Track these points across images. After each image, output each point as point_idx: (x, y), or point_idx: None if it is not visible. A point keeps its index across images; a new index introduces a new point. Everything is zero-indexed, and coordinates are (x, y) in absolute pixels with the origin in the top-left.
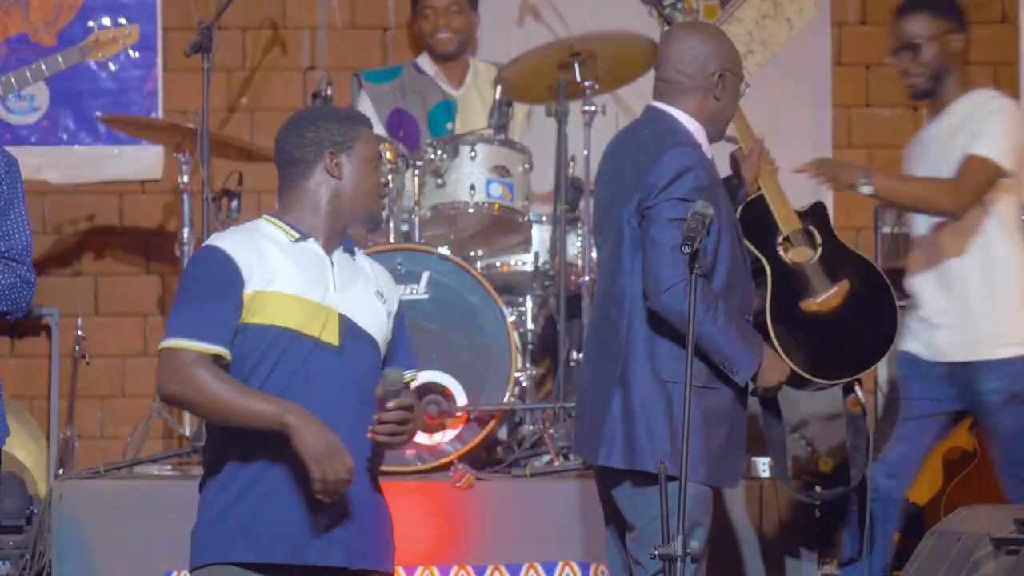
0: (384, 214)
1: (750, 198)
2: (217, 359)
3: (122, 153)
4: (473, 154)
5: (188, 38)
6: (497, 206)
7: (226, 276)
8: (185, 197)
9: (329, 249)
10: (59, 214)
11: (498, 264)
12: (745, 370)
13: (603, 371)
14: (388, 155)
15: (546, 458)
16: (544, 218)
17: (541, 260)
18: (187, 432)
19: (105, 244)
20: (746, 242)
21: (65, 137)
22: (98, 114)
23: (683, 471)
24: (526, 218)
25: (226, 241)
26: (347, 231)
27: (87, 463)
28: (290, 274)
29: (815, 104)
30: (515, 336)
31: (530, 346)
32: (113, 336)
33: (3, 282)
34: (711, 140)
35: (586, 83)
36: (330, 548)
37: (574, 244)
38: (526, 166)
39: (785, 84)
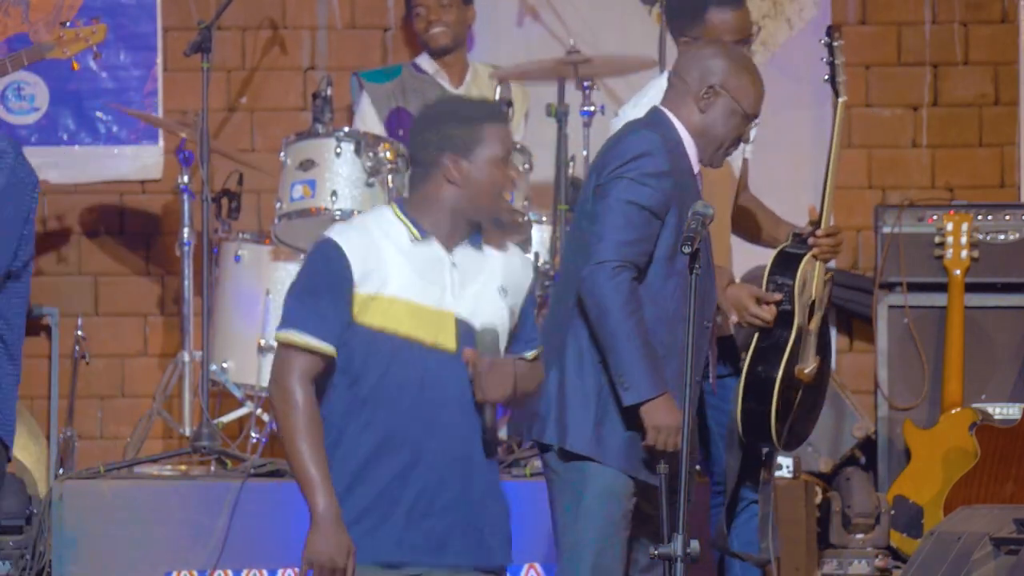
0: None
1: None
2: (324, 356)
3: (122, 153)
4: None
5: (188, 38)
6: None
7: (338, 273)
8: (185, 197)
9: (451, 247)
10: (59, 214)
11: None
12: (636, 391)
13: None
14: (388, 155)
15: None
16: (544, 218)
17: (541, 260)
18: (187, 432)
19: (105, 244)
20: (795, 300)
21: (65, 137)
22: (99, 114)
23: (683, 471)
24: (526, 218)
25: (344, 237)
26: (473, 226)
27: (87, 463)
28: (406, 278)
29: (815, 104)
30: None
31: None
32: (113, 336)
33: None
34: (701, 161)
35: (584, 83)
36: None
37: None
38: (526, 166)
39: (785, 84)
